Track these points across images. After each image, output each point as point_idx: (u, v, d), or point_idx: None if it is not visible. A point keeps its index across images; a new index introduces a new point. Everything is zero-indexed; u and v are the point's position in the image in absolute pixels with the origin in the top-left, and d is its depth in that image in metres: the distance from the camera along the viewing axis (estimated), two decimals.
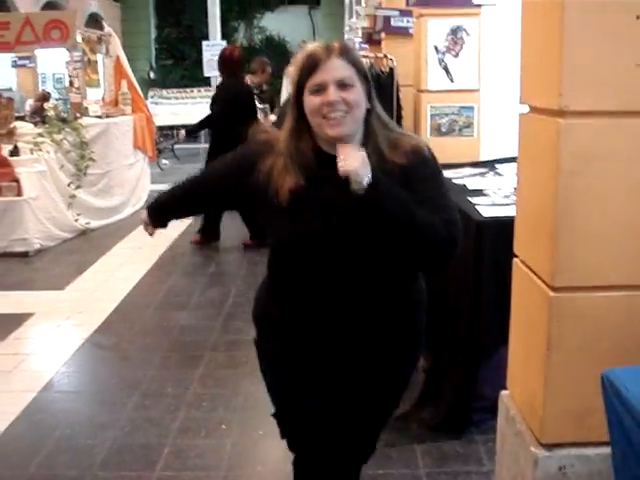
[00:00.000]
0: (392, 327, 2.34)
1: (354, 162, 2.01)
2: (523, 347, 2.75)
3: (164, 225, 2.75)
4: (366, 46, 11.50)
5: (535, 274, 2.53)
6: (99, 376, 4.66)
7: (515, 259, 2.81)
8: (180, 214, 2.82)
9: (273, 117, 9.47)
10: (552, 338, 2.45)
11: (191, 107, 16.77)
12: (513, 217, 2.85)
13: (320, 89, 2.10)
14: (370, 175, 2.01)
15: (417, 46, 5.98)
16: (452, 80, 5.78)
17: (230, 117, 7.47)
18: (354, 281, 2.22)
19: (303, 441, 2.46)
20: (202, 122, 8.61)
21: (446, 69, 5.75)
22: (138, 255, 7.78)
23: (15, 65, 19.78)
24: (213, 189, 2.56)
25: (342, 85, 2.09)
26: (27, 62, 19.68)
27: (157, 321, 5.70)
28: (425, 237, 2.10)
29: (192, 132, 9.40)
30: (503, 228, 3.12)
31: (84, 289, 6.60)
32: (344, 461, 2.45)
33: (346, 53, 2.14)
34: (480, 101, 5.82)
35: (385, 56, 6.46)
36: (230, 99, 7.75)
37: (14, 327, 5.57)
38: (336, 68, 2.10)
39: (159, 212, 2.73)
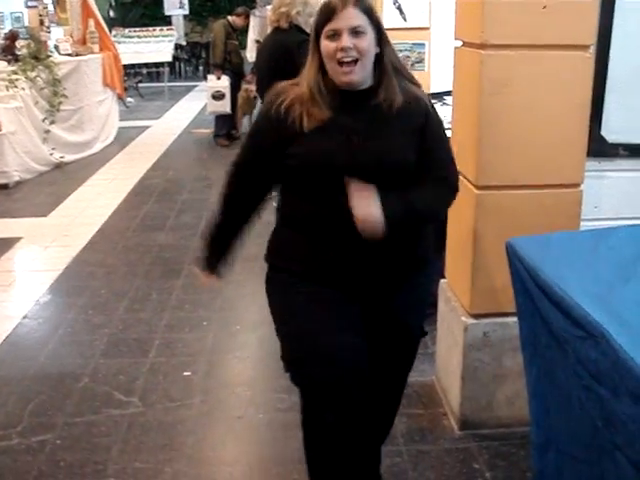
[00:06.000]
0: (400, 247, 2.40)
1: (371, 218, 2.22)
2: (456, 239, 3.35)
3: (216, 270, 2.62)
4: None
5: (465, 177, 3.12)
6: (90, 286, 5.17)
7: None
8: (237, 228, 2.60)
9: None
10: (477, 228, 3.06)
11: (154, 45, 16.87)
12: None
13: (335, 35, 2.25)
14: (383, 221, 2.22)
15: None
16: (405, 19, 6.25)
17: None
18: None
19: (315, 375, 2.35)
20: None
21: (400, 9, 6.21)
22: (112, 186, 8.23)
23: None
24: (263, 162, 2.43)
25: (355, 32, 2.24)
26: None
27: (137, 241, 6.20)
28: (432, 213, 2.52)
29: None
30: None
31: (66, 215, 7.06)
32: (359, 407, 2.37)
33: (360, 2, 2.27)
34: (431, 38, 6.30)
35: None
36: None
37: (5, 249, 6.05)
38: (350, 17, 2.24)
39: (213, 249, 2.62)
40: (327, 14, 2.27)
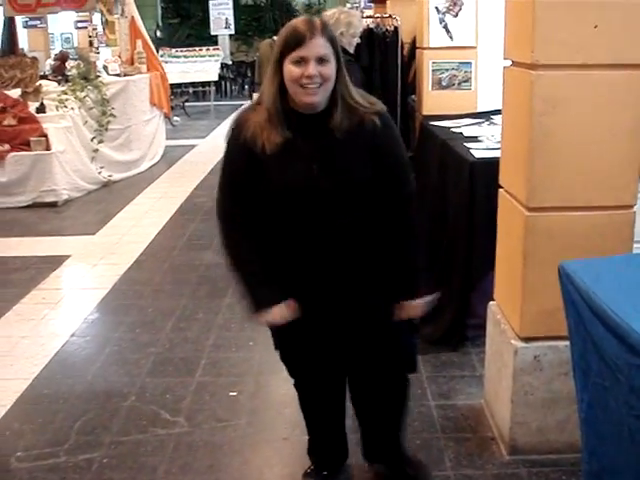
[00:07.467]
0: (369, 266, 2.62)
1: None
2: (505, 260, 3.31)
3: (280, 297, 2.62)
4: (371, 5, 11.88)
5: (514, 198, 3.08)
6: (137, 305, 5.21)
7: (500, 189, 3.36)
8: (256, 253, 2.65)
9: None
10: (527, 250, 3.01)
11: (200, 65, 17.08)
12: None
13: (302, 61, 2.35)
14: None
15: (419, 6, 6.43)
16: (452, 38, 6.23)
17: None
18: (335, 223, 2.50)
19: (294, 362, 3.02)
20: None
21: (446, 28, 6.20)
22: (159, 204, 8.32)
23: (26, 26, 20.05)
24: (246, 185, 2.58)
25: (320, 60, 2.35)
26: (38, 22, 19.90)
27: (184, 260, 6.24)
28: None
29: None
30: (493, 167, 3.54)
31: (114, 234, 7.14)
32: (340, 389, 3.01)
33: (326, 32, 2.38)
34: (477, 57, 6.26)
35: (390, 16, 6.91)
36: None
37: (54, 267, 6.12)
38: (318, 46, 2.35)
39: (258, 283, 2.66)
40: (295, 41, 2.36)
